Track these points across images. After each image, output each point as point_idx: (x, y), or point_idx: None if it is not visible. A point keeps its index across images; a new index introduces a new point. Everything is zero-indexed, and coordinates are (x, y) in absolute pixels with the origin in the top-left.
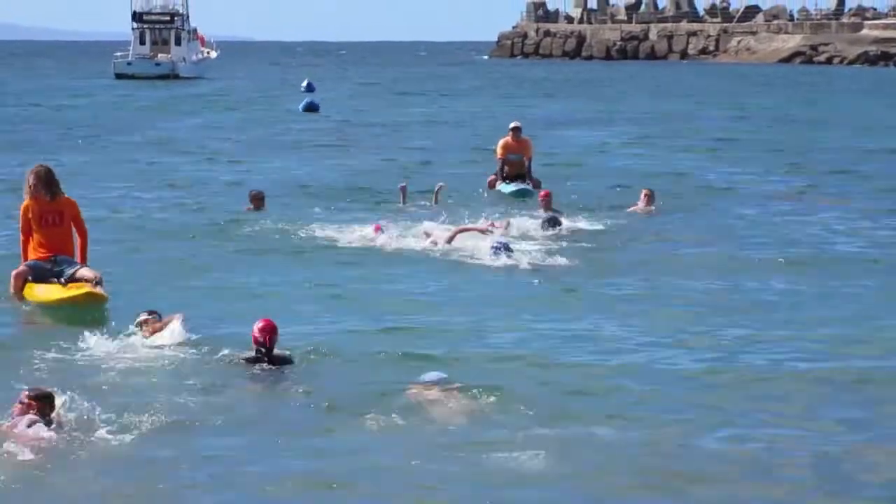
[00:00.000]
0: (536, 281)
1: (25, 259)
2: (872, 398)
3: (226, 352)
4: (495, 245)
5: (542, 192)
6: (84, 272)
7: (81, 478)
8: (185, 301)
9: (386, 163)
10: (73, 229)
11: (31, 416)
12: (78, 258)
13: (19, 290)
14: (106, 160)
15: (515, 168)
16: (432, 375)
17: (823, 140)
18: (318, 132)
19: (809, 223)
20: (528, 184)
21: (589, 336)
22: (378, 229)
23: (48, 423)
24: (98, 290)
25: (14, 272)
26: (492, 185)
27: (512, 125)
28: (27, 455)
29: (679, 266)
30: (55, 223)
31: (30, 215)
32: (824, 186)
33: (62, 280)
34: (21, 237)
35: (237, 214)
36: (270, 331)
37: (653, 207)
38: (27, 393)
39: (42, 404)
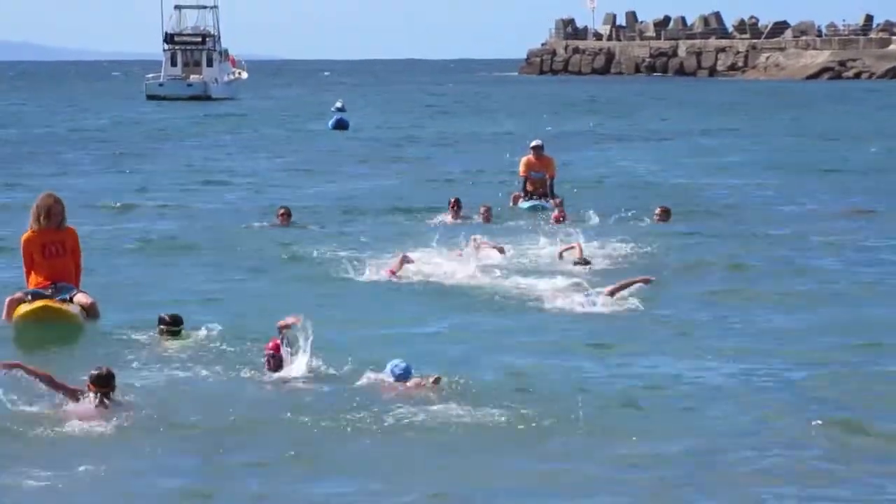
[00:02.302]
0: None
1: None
2: None
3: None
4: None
5: (556, 202)
6: (79, 297)
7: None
8: (199, 310)
9: (414, 180)
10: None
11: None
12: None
13: (11, 315)
14: (137, 180)
15: (538, 186)
16: (395, 368)
17: (871, 157)
18: (346, 150)
19: (843, 243)
20: (549, 202)
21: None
22: (392, 273)
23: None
24: (57, 304)
25: (8, 298)
26: (515, 202)
27: (533, 143)
28: (88, 431)
29: (682, 279)
30: (58, 253)
31: (32, 247)
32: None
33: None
34: (24, 269)
35: (263, 229)
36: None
37: (667, 221)
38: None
39: (102, 386)
